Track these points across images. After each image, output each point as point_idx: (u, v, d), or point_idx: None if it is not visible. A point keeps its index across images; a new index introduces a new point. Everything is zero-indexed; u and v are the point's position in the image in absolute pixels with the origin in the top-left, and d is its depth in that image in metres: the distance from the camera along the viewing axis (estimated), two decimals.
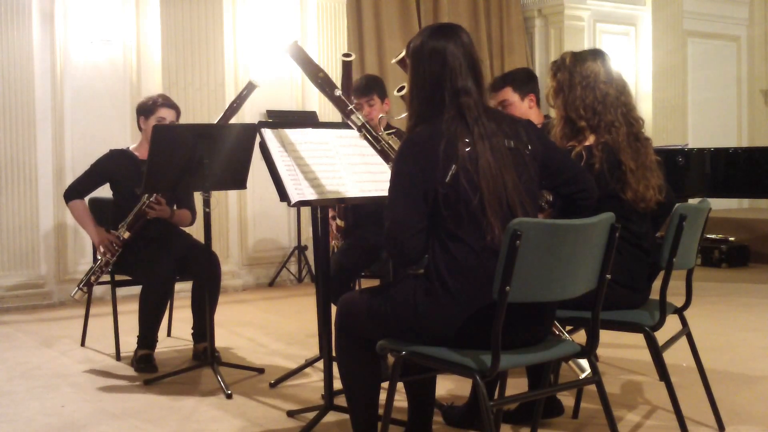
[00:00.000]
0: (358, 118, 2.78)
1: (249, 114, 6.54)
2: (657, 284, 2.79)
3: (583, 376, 3.06)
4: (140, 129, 4.16)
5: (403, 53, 3.08)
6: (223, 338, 4.51)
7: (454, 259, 2.18)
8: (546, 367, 2.54)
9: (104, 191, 4.25)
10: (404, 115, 2.43)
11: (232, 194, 6.61)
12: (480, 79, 2.33)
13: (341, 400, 2.82)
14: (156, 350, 3.97)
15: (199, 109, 6.25)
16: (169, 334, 4.62)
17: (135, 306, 3.93)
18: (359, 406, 2.51)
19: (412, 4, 7.72)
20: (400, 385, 2.43)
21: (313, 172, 2.93)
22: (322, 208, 3.24)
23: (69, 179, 5.79)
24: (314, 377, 3.69)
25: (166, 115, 4.04)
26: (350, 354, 2.47)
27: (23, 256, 5.79)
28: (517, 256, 1.99)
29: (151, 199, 3.94)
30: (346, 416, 2.78)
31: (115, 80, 6.23)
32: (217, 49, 6.47)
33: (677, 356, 3.42)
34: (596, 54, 2.91)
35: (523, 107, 3.54)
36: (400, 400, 2.70)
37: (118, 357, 4.11)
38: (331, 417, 3.02)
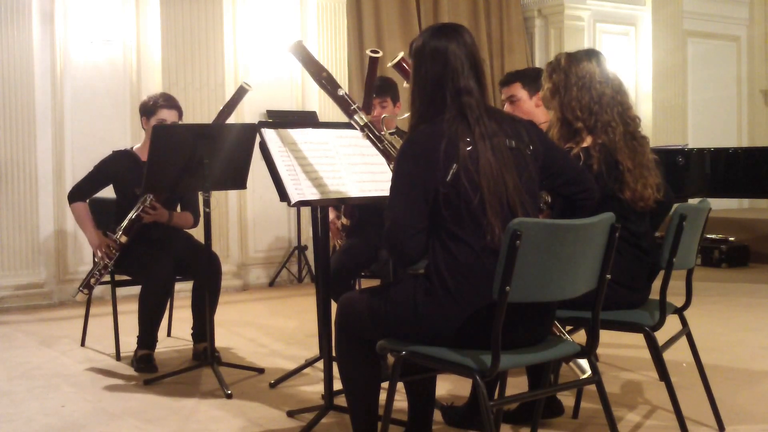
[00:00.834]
0: (361, 117, 2.78)
1: (249, 114, 6.56)
2: (657, 284, 2.79)
3: (583, 377, 3.06)
4: (143, 128, 4.16)
5: (399, 57, 3.08)
6: (223, 338, 4.51)
7: (455, 258, 2.18)
8: (546, 367, 2.54)
9: (107, 191, 4.24)
10: (407, 115, 2.43)
11: (232, 194, 6.61)
12: (482, 78, 2.33)
13: (341, 400, 2.82)
14: (156, 350, 3.97)
15: (199, 109, 6.25)
16: (169, 334, 4.62)
17: (135, 306, 3.93)
18: (359, 406, 2.51)
19: (412, 4, 7.73)
20: (400, 385, 2.43)
21: (313, 172, 2.93)
22: (322, 208, 3.25)
23: (69, 179, 5.82)
24: (314, 377, 3.69)
25: (166, 116, 4.02)
26: (350, 354, 2.47)
27: (23, 256, 5.79)
28: (517, 256, 1.99)
29: (146, 204, 3.93)
30: (346, 416, 2.78)
31: (115, 80, 6.23)
32: (217, 49, 6.47)
33: (677, 356, 3.42)
34: (591, 54, 2.90)
35: (530, 105, 3.57)
36: (400, 400, 2.70)
37: (118, 357, 4.11)
38: (331, 417, 3.02)
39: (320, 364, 3.48)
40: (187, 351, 4.24)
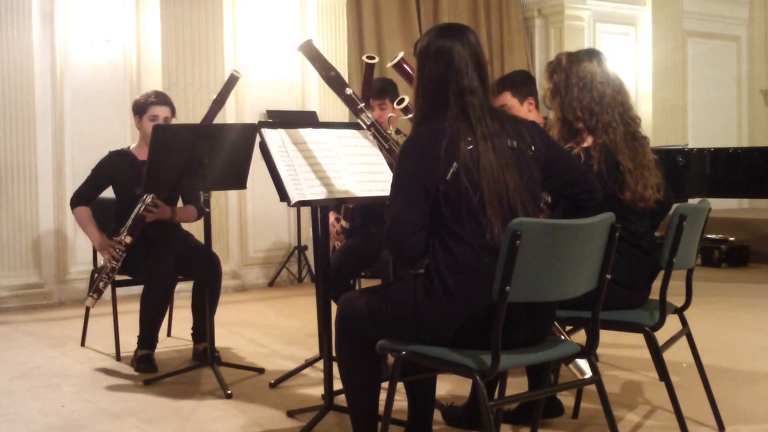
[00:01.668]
0: (367, 116, 2.79)
1: (249, 114, 6.55)
2: (657, 284, 2.79)
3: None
4: (137, 127, 4.16)
5: (399, 57, 3.09)
6: (223, 338, 4.51)
7: (455, 258, 2.19)
8: (546, 367, 2.54)
9: (107, 192, 4.24)
10: (410, 115, 2.44)
11: (232, 194, 6.61)
12: (485, 79, 2.34)
13: (341, 400, 2.82)
14: (156, 350, 3.97)
15: (200, 109, 6.22)
16: (169, 334, 4.62)
17: (135, 306, 3.93)
18: (359, 406, 2.51)
19: (412, 4, 7.73)
20: (400, 385, 2.43)
21: (313, 172, 2.93)
22: (322, 208, 3.25)
23: (69, 179, 5.83)
24: (314, 377, 3.69)
25: (158, 112, 4.03)
26: (350, 354, 2.47)
27: (23, 256, 5.79)
28: (517, 255, 1.99)
29: (147, 202, 3.92)
30: (346, 416, 2.78)
31: (115, 80, 6.23)
32: (217, 49, 6.47)
33: (677, 356, 3.42)
34: (592, 54, 2.90)
35: (522, 111, 3.53)
36: (400, 400, 2.70)
37: (118, 357, 4.11)
38: (331, 417, 3.02)
39: (320, 364, 3.47)
40: (187, 351, 4.24)
